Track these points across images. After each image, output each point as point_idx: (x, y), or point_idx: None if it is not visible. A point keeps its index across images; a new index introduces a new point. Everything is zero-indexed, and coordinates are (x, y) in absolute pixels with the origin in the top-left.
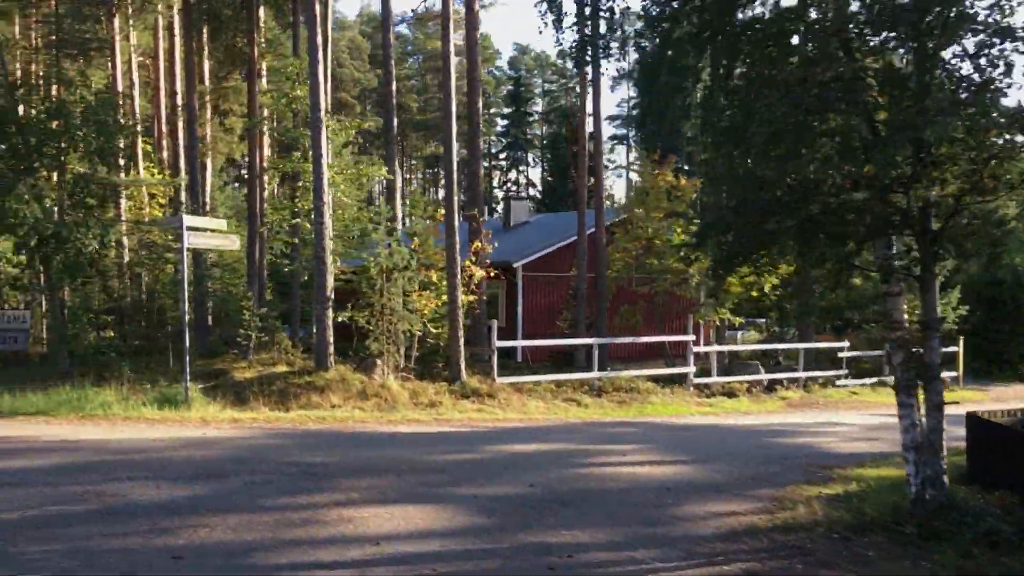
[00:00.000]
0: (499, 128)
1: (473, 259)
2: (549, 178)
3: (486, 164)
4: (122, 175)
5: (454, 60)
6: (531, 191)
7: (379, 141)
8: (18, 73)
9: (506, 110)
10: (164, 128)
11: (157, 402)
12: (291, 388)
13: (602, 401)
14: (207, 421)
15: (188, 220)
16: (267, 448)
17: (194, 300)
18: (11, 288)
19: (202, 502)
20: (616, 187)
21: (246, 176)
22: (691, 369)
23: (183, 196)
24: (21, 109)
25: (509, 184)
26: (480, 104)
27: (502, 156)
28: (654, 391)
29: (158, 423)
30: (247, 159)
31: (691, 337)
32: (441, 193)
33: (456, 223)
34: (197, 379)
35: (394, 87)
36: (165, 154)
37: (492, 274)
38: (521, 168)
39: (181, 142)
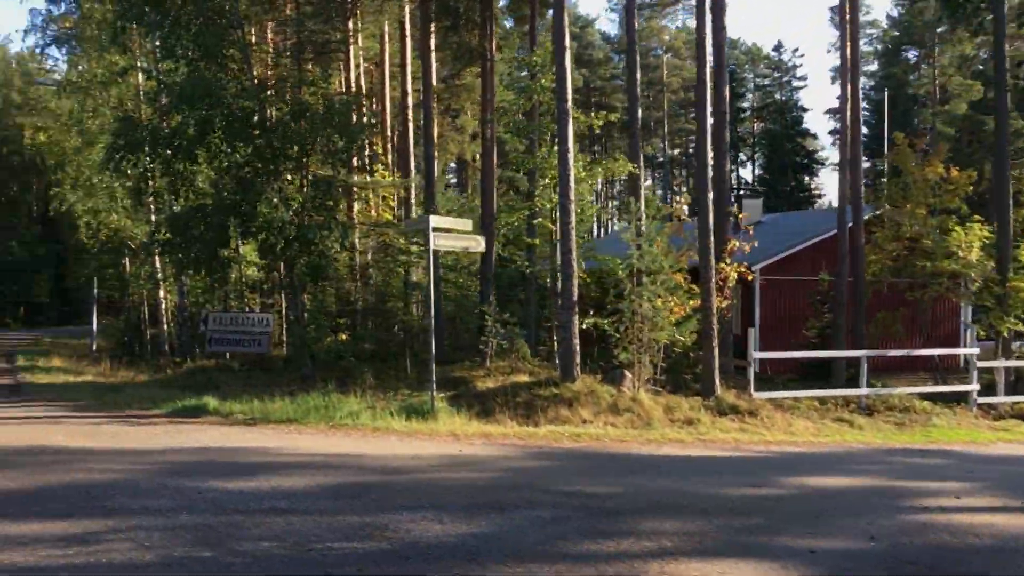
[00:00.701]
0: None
1: (728, 260)
2: (766, 176)
3: (692, 164)
4: (357, 177)
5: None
6: (742, 190)
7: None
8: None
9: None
10: (388, 132)
11: (404, 412)
12: (537, 400)
13: (876, 422)
14: (457, 435)
15: (434, 221)
16: (534, 472)
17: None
18: (250, 291)
19: (495, 543)
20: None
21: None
22: (974, 387)
23: (412, 198)
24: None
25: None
26: (727, 93)
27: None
28: (933, 411)
29: (407, 436)
30: (480, 158)
31: (974, 350)
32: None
33: (710, 221)
34: (438, 388)
35: (638, 76)
36: (389, 157)
37: (749, 277)
38: (732, 166)
39: (411, 143)
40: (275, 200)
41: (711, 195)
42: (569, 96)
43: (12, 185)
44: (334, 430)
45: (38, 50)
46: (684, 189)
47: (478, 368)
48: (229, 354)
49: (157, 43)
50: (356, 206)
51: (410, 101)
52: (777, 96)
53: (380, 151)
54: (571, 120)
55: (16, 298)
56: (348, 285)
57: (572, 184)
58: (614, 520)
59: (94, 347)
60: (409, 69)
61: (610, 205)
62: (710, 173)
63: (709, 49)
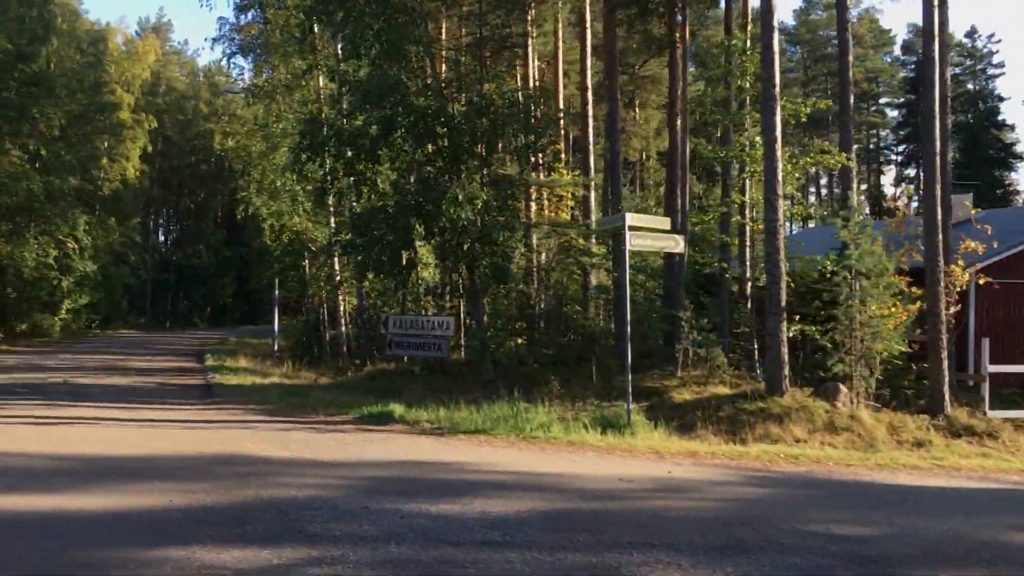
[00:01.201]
0: (894, 118)
1: (960, 262)
2: (964, 171)
3: (878, 160)
4: (535, 176)
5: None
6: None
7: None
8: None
9: (900, 100)
10: (561, 130)
11: (598, 425)
12: (741, 415)
13: None
14: (659, 453)
15: (631, 219)
16: (765, 503)
17: (610, 308)
18: (425, 294)
19: None
20: None
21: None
22: None
23: (591, 197)
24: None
25: (904, 180)
26: (948, 75)
27: (899, 149)
28: None
29: (605, 452)
30: (667, 152)
31: None
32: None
33: (939, 217)
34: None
35: (850, 58)
36: (562, 155)
37: (981, 280)
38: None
39: (590, 139)
40: (460, 199)
41: (939, 188)
42: (777, 81)
43: (200, 192)
44: (526, 444)
45: (225, 59)
46: (864, 186)
47: (669, 377)
48: (406, 357)
49: (340, 45)
50: (533, 206)
51: (589, 96)
52: (970, 86)
53: (559, 147)
54: (779, 107)
55: (203, 299)
56: (526, 288)
57: (780, 177)
58: (885, 572)
59: (275, 347)
60: (589, 61)
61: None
62: (938, 163)
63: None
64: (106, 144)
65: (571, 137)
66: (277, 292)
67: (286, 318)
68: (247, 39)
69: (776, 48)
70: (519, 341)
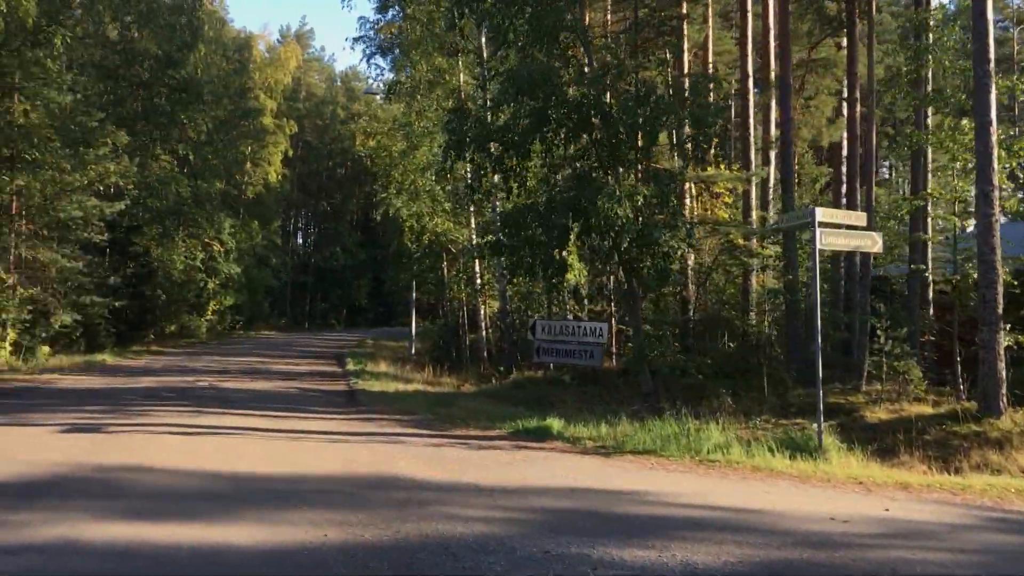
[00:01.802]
0: None
1: None
2: None
3: None
4: (693, 171)
5: None
6: None
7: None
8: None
9: None
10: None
11: (784, 447)
12: (951, 439)
13: None
14: (864, 484)
15: (822, 214)
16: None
17: (775, 314)
18: (572, 297)
19: None
20: None
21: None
22: None
23: (752, 193)
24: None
25: None
26: None
27: None
28: None
29: (799, 481)
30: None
31: None
32: None
33: None
34: (811, 415)
35: None
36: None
37: None
38: None
39: (751, 130)
40: (618, 195)
41: None
42: (992, 54)
43: (337, 195)
44: (704, 468)
45: (365, 59)
46: None
47: (853, 392)
48: (552, 365)
49: (485, 37)
50: (687, 203)
51: (751, 85)
52: None
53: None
54: (993, 85)
55: (339, 301)
56: (684, 291)
57: (995, 165)
58: None
59: (412, 351)
60: (750, 46)
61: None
62: None
63: None
64: (249, 149)
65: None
66: (414, 294)
67: (422, 320)
68: (387, 39)
69: (990, 17)
70: (674, 347)
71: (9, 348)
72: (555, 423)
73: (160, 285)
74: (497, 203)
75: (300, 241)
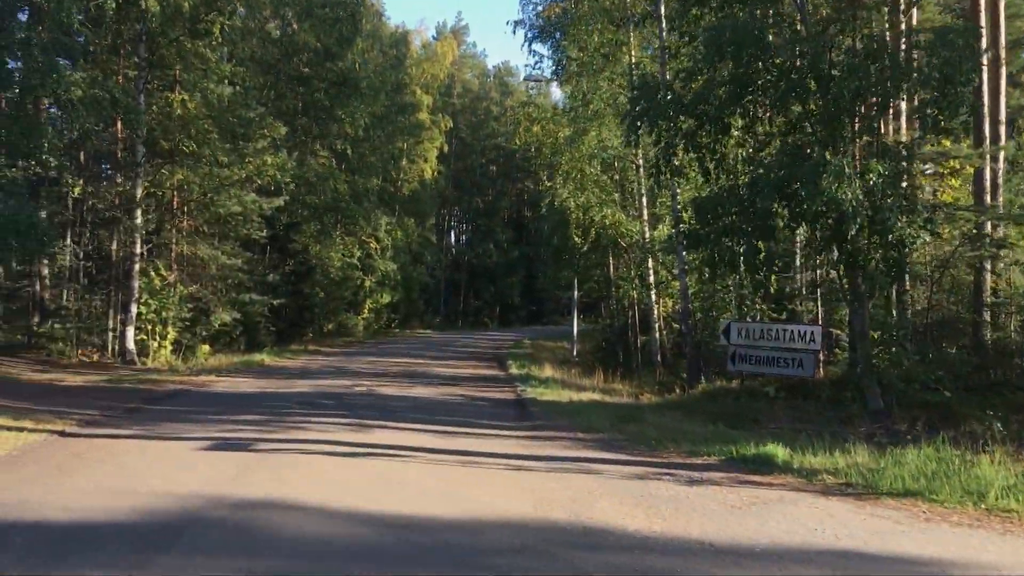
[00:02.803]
0: None
1: None
2: None
3: None
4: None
5: None
6: None
7: None
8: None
9: None
10: None
11: None
12: None
13: None
14: None
15: None
16: None
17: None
18: (760, 297)
19: None
20: None
21: None
22: None
23: (987, 173)
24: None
25: None
26: None
27: None
28: None
29: None
30: None
31: None
32: None
33: None
34: None
35: None
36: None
37: None
38: None
39: (983, 102)
40: (847, 173)
41: None
42: None
43: (490, 192)
44: (999, 521)
45: (526, 44)
46: None
47: None
48: (748, 373)
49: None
50: (919, 183)
51: (1003, 39)
52: None
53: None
54: None
55: (492, 299)
56: (908, 289)
57: None
58: None
59: (575, 352)
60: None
61: None
62: None
63: None
64: (405, 145)
65: None
66: (576, 293)
67: (582, 320)
68: (549, 20)
69: None
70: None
71: (169, 347)
72: (778, 450)
73: (318, 283)
74: (678, 191)
75: (453, 239)
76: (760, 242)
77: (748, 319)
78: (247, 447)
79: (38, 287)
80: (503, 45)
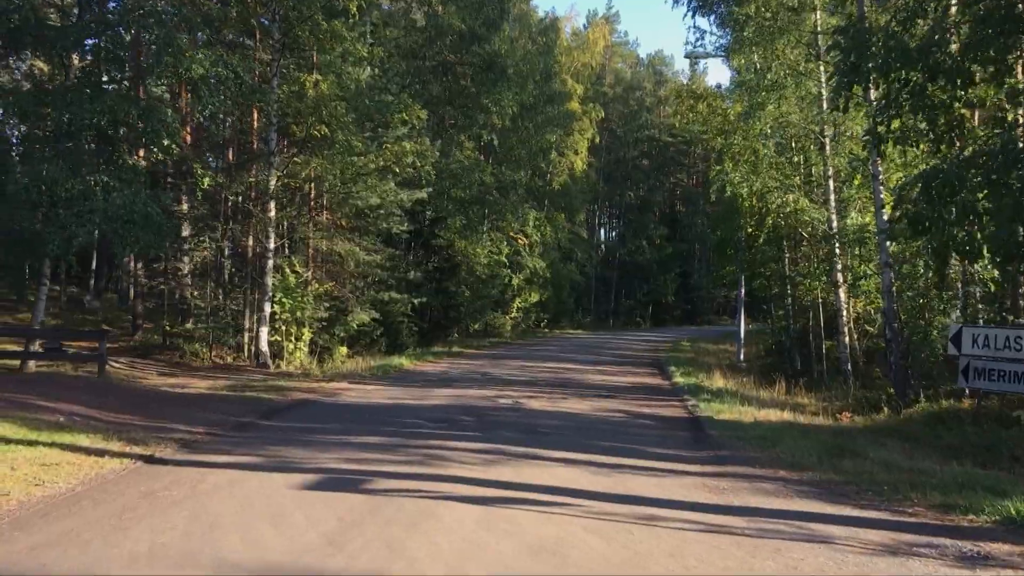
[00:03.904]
0: None
1: None
2: None
3: None
4: None
5: None
6: None
7: None
8: None
9: None
10: None
11: None
12: None
13: None
14: None
15: None
16: None
17: None
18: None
19: None
20: None
21: None
22: None
23: None
24: None
25: None
26: None
27: None
28: None
29: None
30: None
31: None
32: None
33: None
34: None
35: None
36: None
37: None
38: None
39: None
40: None
41: None
42: None
43: (642, 187)
44: None
45: (689, 14)
46: None
47: None
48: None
49: None
50: None
51: None
52: None
53: None
54: None
55: (645, 297)
56: None
57: None
58: None
59: (741, 356)
60: None
61: None
62: None
63: None
64: (555, 136)
65: None
66: (743, 291)
67: (750, 320)
68: None
69: None
70: None
71: (305, 349)
72: None
73: (464, 280)
74: (879, 170)
75: (604, 235)
76: (1020, 225)
77: (981, 323)
78: (360, 486)
79: (174, 285)
80: (656, 34)
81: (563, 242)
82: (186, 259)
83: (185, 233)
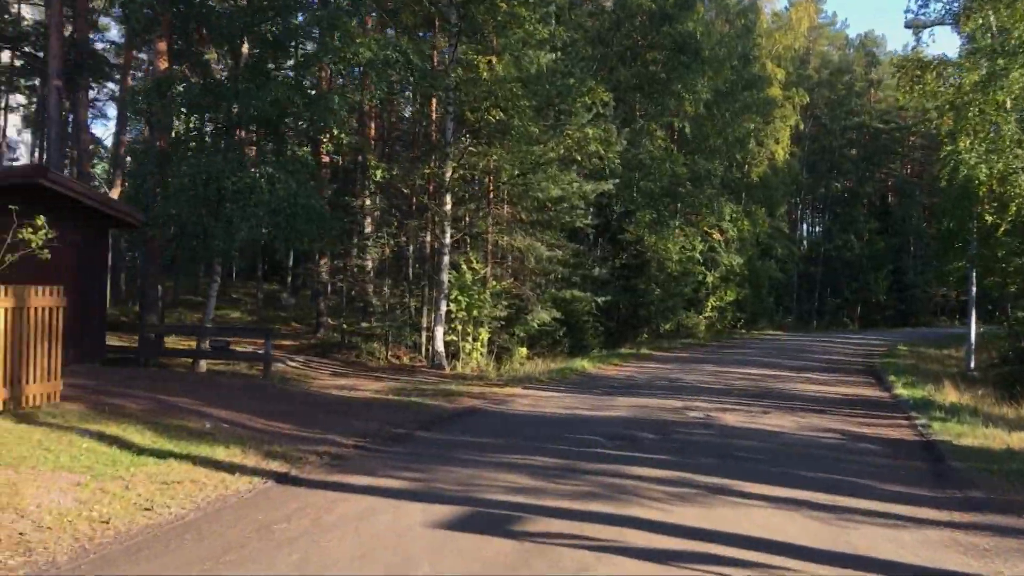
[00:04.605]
0: None
1: None
2: None
3: None
4: None
5: None
6: None
7: None
8: None
9: None
10: None
11: None
12: None
13: None
14: None
15: None
16: None
17: None
18: None
19: None
20: None
21: None
22: None
23: None
24: None
25: None
26: None
27: None
28: None
29: None
30: None
31: None
32: None
33: None
34: None
35: None
36: None
37: None
38: None
39: None
40: None
41: None
42: None
43: (851, 177)
44: None
45: None
46: None
47: None
48: None
49: None
50: None
51: None
52: None
53: None
54: None
55: (853, 296)
56: None
57: None
58: None
59: (971, 364)
60: None
61: None
62: None
63: None
64: (753, 125)
65: None
66: (973, 289)
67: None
68: None
69: None
70: None
71: (482, 349)
72: None
73: (654, 278)
74: None
75: (807, 229)
76: None
77: None
78: (510, 526)
79: (352, 282)
80: (866, 15)
81: (762, 237)
82: (367, 256)
83: (367, 229)
